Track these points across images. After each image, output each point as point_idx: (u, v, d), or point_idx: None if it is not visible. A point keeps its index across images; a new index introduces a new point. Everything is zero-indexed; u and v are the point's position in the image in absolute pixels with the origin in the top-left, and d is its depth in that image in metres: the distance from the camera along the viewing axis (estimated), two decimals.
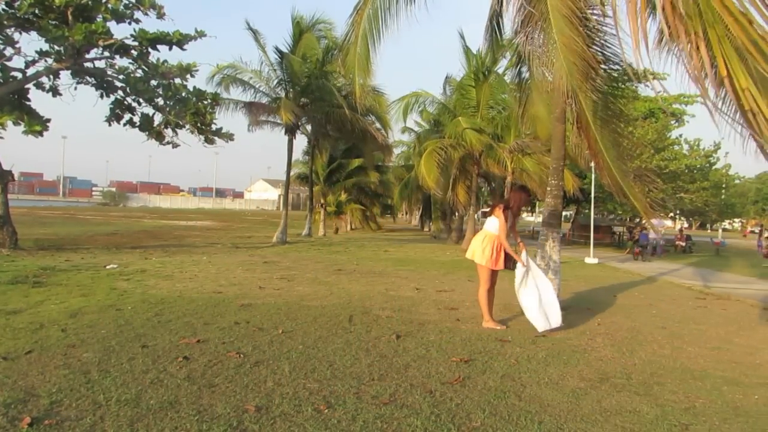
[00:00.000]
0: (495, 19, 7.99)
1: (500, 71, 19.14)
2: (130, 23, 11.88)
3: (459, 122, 18.80)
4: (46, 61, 11.57)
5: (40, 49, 11.55)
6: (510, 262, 5.95)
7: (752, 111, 3.36)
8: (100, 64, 12.20)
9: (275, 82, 19.46)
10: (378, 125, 21.85)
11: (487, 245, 5.80)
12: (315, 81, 18.78)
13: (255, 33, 18.61)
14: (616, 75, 7.32)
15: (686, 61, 3.61)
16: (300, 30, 19.21)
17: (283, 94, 19.32)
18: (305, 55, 19.19)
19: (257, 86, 19.31)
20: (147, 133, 12.99)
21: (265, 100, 19.39)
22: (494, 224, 5.86)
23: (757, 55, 3.34)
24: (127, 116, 13.00)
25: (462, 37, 25.29)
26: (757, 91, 3.38)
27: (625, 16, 3.87)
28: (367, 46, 7.07)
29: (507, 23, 7.91)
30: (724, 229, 40.72)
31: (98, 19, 11.13)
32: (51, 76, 12.01)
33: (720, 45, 3.48)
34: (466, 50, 20.14)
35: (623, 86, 8.00)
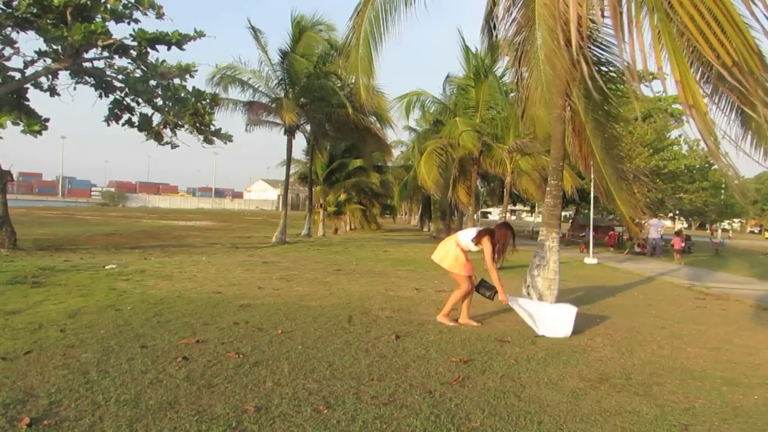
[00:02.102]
0: (490, 19, 7.98)
1: (500, 71, 19.11)
2: (129, 23, 11.86)
3: (456, 123, 18.74)
4: (44, 61, 11.55)
5: (39, 48, 11.53)
6: (481, 288, 5.90)
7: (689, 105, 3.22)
8: (99, 64, 12.20)
9: (275, 83, 19.45)
10: (379, 125, 21.83)
11: (459, 255, 5.87)
12: (315, 81, 18.77)
13: (256, 32, 18.60)
14: (614, 75, 7.30)
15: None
16: (300, 30, 19.20)
17: (282, 94, 19.31)
18: (305, 54, 19.17)
19: (256, 86, 19.31)
20: (146, 133, 12.98)
21: (264, 100, 19.39)
22: (469, 239, 5.86)
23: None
24: (126, 116, 12.98)
25: (461, 36, 25.27)
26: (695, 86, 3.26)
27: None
28: (370, 48, 7.06)
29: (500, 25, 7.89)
30: (723, 229, 40.70)
31: (97, 19, 11.10)
32: (50, 76, 12.00)
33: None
34: (466, 50, 20.03)
35: (620, 87, 8.00)
